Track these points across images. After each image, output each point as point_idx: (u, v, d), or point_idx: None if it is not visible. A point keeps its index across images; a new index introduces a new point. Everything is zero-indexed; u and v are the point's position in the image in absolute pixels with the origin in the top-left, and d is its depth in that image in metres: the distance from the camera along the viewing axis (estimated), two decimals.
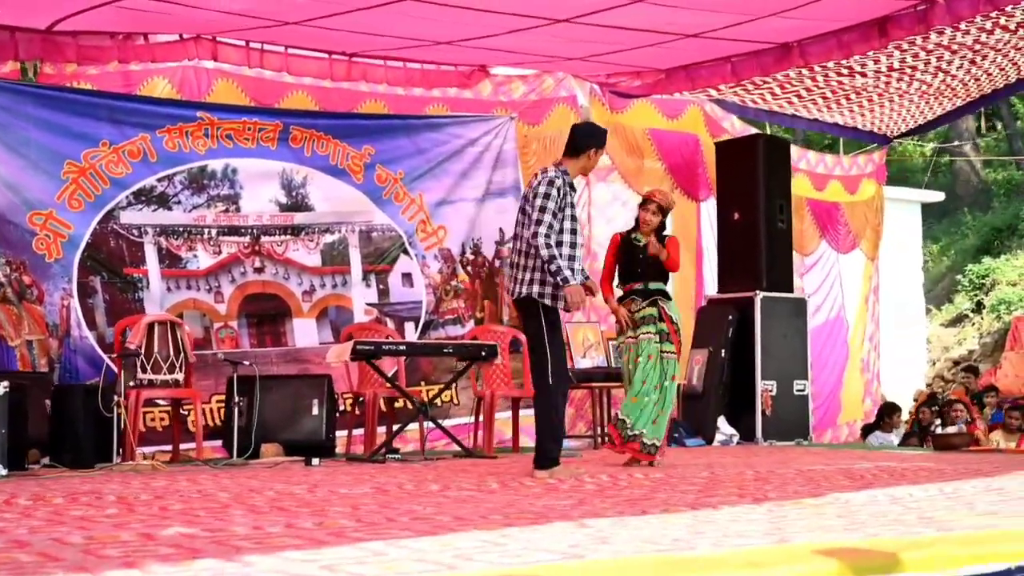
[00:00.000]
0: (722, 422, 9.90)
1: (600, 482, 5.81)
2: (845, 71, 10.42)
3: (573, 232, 6.30)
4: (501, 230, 10.25)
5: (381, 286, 9.72)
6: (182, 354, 7.68)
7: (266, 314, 9.16)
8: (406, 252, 9.82)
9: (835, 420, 12.36)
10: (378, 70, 10.01)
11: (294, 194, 9.39)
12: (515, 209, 10.08)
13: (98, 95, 8.64)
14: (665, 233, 7.52)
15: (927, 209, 22.28)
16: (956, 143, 24.33)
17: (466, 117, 10.25)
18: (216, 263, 8.97)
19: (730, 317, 10.10)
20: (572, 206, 6.36)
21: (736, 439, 9.87)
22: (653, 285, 7.37)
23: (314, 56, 9.74)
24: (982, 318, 17.32)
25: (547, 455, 6.35)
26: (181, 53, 9.16)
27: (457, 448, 8.27)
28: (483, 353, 8.25)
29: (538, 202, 6.24)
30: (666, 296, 7.39)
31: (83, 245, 8.41)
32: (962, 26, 8.99)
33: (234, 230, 9.10)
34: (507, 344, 9.20)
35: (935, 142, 25.39)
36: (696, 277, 11.25)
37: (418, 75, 10.22)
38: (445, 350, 8.41)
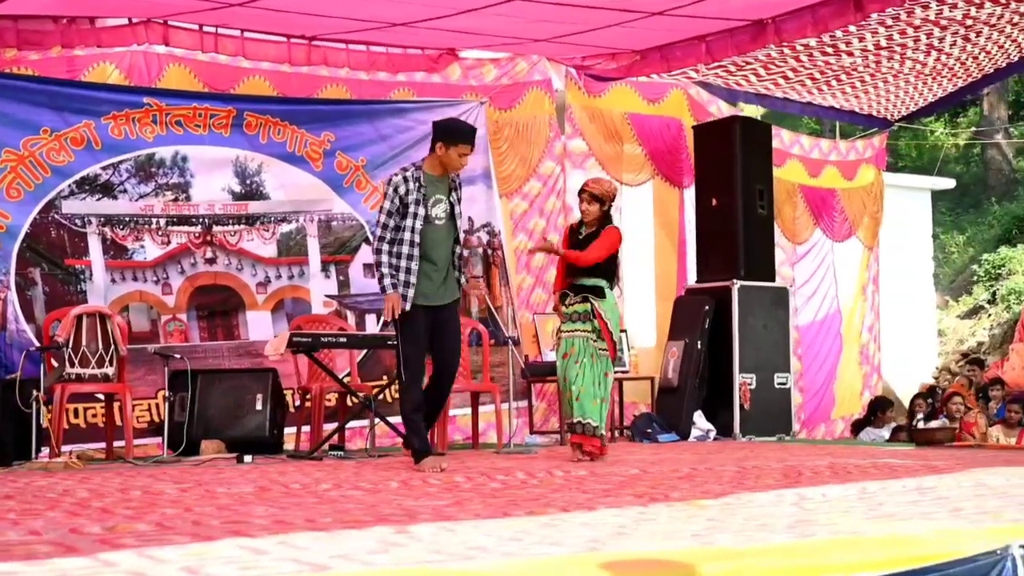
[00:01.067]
0: (698, 417, 9.51)
1: (505, 480, 5.45)
2: (829, 50, 10.00)
3: (413, 231, 6.19)
4: (471, 219, 9.90)
5: (341, 277, 9.41)
6: (112, 347, 7.38)
7: (217, 306, 8.86)
8: (368, 241, 9.48)
9: (828, 414, 11.90)
10: (340, 54, 9.69)
11: (248, 182, 9.09)
12: (485, 197, 9.89)
13: (38, 80, 8.38)
14: (611, 224, 7.16)
15: (954, 198, 21.76)
16: (986, 130, 23.73)
17: (432, 102, 9.89)
18: (164, 254, 8.69)
19: (706, 308, 9.69)
20: (418, 203, 6.20)
21: (713, 434, 9.47)
22: (588, 281, 7.02)
23: (272, 40, 9.42)
24: (997, 309, 16.76)
25: (411, 449, 6.32)
26: (130, 38, 8.88)
27: None
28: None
29: (384, 204, 6.30)
30: (600, 293, 7.03)
31: (22, 236, 8.15)
32: None
33: (184, 220, 8.81)
34: (465, 336, 8.85)
35: (967, 129, 24.79)
36: (679, 267, 10.85)
37: (383, 59, 9.88)
38: (389, 342, 8.04)
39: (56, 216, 8.34)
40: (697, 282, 10.17)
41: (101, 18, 8.75)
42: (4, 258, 8.08)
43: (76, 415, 8.00)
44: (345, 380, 8.67)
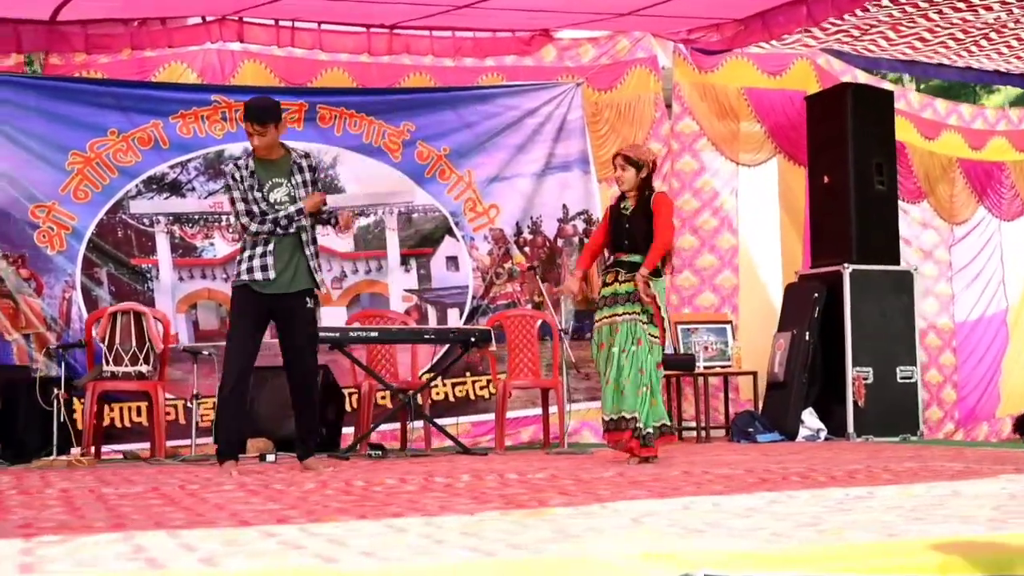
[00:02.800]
0: (807, 415, 8.65)
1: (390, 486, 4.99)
2: (962, 5, 8.92)
3: (253, 216, 5.89)
4: (565, 207, 9.42)
5: (422, 271, 9.10)
6: (147, 345, 7.33)
7: None
8: (451, 233, 9.15)
9: (993, 412, 10.67)
10: (423, 41, 9.39)
11: (322, 176, 8.91)
12: (582, 183, 9.38)
13: (105, 83, 8.48)
14: (652, 191, 6.48)
15: None
16: None
17: (521, 86, 9.46)
18: (234, 251, 8.59)
19: (815, 295, 8.82)
20: (252, 188, 5.88)
21: (824, 434, 8.60)
22: (638, 257, 6.34)
23: (350, 31, 9.24)
24: None
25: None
26: (204, 36, 8.89)
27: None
28: (472, 339, 7.48)
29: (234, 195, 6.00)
30: (655, 272, 6.30)
31: (88, 236, 8.26)
32: None
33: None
34: (535, 330, 8.39)
35: None
36: (804, 252, 9.95)
37: (469, 44, 9.52)
38: (426, 336, 7.68)
39: (123, 216, 8.41)
40: (811, 267, 9.29)
41: (173, 18, 8.78)
42: (70, 258, 8.21)
43: (125, 414, 8.02)
44: (425, 377, 8.42)
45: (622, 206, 6.54)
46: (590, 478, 5.15)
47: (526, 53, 9.66)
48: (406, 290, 9.02)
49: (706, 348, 9.09)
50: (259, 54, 9.03)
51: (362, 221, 9.00)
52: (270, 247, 5.89)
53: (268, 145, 5.92)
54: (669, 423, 6.48)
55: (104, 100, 8.41)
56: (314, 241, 6.11)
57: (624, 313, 6.29)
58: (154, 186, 8.46)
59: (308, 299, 5.99)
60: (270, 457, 6.85)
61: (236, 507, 3.92)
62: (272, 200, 5.89)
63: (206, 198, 8.61)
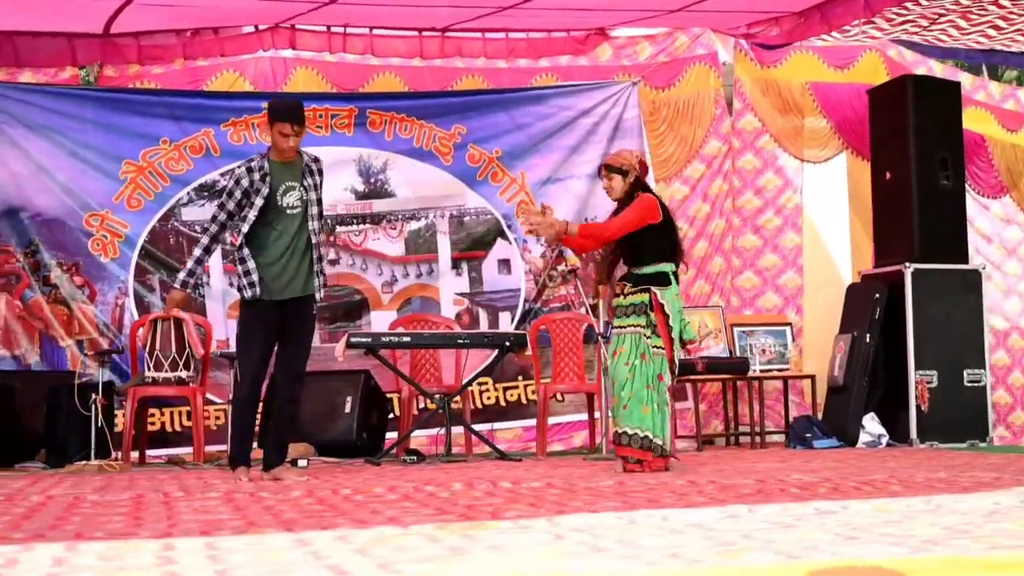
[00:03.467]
0: (868, 420, 8.35)
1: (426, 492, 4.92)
2: None
3: (268, 224, 5.85)
4: None
5: (473, 274, 9.05)
6: (187, 351, 7.44)
7: (341, 308, 8.77)
8: (503, 236, 9.09)
9: None
10: (475, 43, 9.36)
11: (372, 180, 8.95)
12: None
13: (157, 93, 8.64)
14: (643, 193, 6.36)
15: None
16: None
17: (575, 86, 9.35)
18: None
19: (876, 296, 8.51)
20: (258, 192, 5.80)
21: (885, 440, 8.29)
22: (649, 268, 6.17)
23: (402, 35, 9.26)
24: None
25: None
26: (256, 44, 9.00)
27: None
28: (507, 343, 7.40)
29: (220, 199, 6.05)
30: (664, 281, 6.13)
31: (140, 243, 8.43)
32: None
33: None
34: (580, 333, 8.27)
35: None
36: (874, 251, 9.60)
37: (523, 45, 9.45)
38: (460, 340, 7.61)
39: (175, 223, 8.55)
40: (875, 266, 8.97)
41: (226, 28, 8.90)
42: (123, 265, 8.38)
43: (176, 418, 8.15)
44: (472, 379, 8.39)
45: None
46: (586, 487, 5.03)
47: (581, 53, 9.54)
48: (457, 294, 8.98)
49: (764, 351, 8.85)
50: (311, 60, 9.10)
51: (413, 225, 8.99)
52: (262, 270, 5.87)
53: (297, 147, 5.91)
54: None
55: (157, 110, 8.57)
56: (319, 259, 6.04)
57: (630, 326, 6.14)
58: (205, 193, 8.58)
59: (314, 305, 5.97)
60: (302, 463, 6.86)
61: (191, 516, 3.92)
62: (285, 204, 5.85)
63: None
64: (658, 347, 6.09)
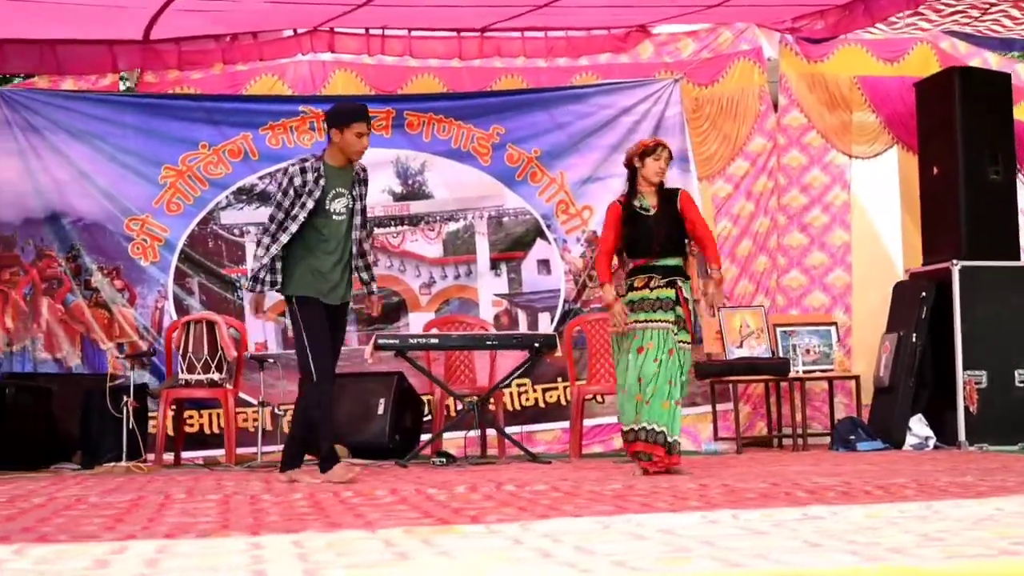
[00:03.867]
0: (915, 422, 8.11)
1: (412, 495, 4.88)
2: None
3: (315, 227, 5.84)
4: None
5: (512, 275, 9.00)
6: (219, 353, 7.49)
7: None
8: (543, 236, 9.02)
9: None
10: (514, 43, 9.30)
11: (410, 182, 8.94)
12: (680, 181, 9.07)
13: (196, 98, 8.73)
14: (671, 188, 6.32)
15: None
16: None
17: (616, 84, 9.25)
18: None
19: (923, 294, 8.29)
20: (310, 194, 5.76)
21: (932, 442, 8.06)
22: (671, 261, 6.13)
23: (440, 36, 9.23)
24: None
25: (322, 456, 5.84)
26: (295, 48, 9.04)
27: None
28: (536, 345, 7.33)
29: (276, 197, 5.95)
30: (684, 275, 6.15)
31: (179, 247, 8.51)
32: None
33: None
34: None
35: None
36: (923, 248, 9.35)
37: (562, 44, 9.37)
38: (488, 342, 7.55)
39: (214, 227, 8.63)
40: (923, 264, 8.73)
41: (265, 32, 8.96)
42: (163, 269, 8.48)
43: (214, 420, 8.22)
44: (510, 380, 8.36)
45: (639, 206, 6.23)
46: (591, 490, 4.95)
47: (622, 50, 9.44)
48: (496, 295, 8.94)
49: (808, 351, 8.66)
50: (350, 63, 9.13)
51: (451, 226, 8.97)
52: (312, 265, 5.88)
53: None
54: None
55: (196, 115, 8.65)
56: (365, 261, 6.17)
57: (658, 321, 6.04)
58: (243, 197, 8.64)
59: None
60: None
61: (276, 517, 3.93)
62: (332, 209, 5.85)
63: None
64: (685, 342, 6.03)
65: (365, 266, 6.18)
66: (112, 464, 6.84)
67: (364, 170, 6.08)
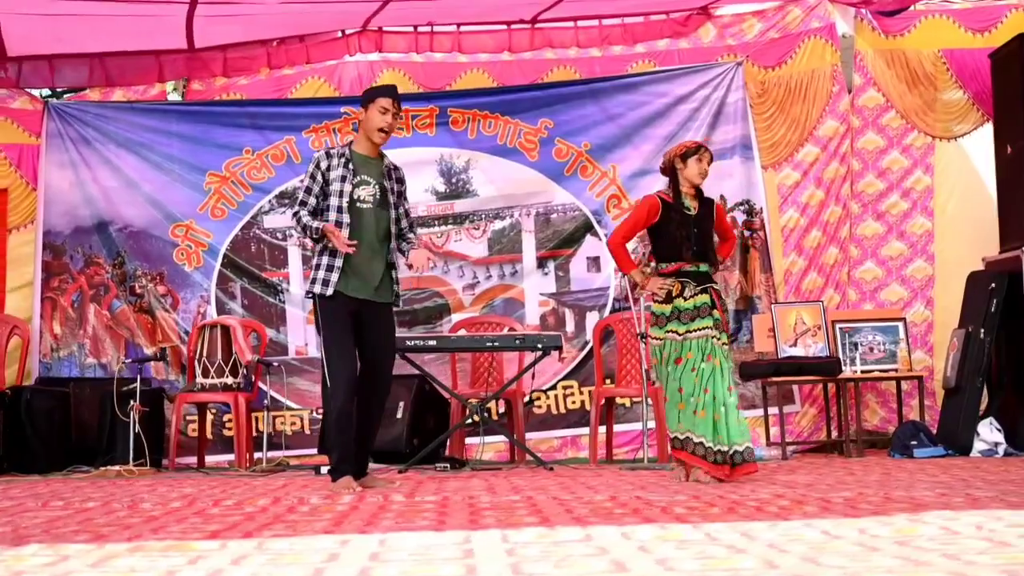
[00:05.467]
0: (984, 426, 7.34)
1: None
2: None
3: (340, 210, 5.48)
4: (723, 197, 8.62)
5: (560, 273, 8.66)
6: (233, 358, 7.48)
7: (420, 312, 8.60)
8: (593, 232, 8.66)
9: None
10: (566, 33, 8.98)
11: (454, 180, 8.74)
12: (742, 171, 8.64)
13: (240, 103, 8.79)
14: (708, 197, 5.99)
15: None
16: None
17: (672, 71, 8.80)
18: None
19: (992, 286, 7.51)
20: (343, 179, 5.50)
21: (1003, 449, 7.28)
22: (704, 267, 5.80)
23: (490, 29, 9.01)
24: None
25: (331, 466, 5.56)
26: (342, 50, 9.00)
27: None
28: (539, 346, 7.00)
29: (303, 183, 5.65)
30: (714, 280, 5.87)
31: (223, 252, 8.57)
32: None
33: None
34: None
35: None
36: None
37: (617, 32, 8.98)
38: (488, 343, 7.23)
39: (257, 231, 8.66)
40: (999, 252, 7.90)
41: (312, 35, 8.94)
42: (206, 274, 8.56)
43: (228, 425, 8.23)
44: (558, 383, 8.12)
45: (684, 206, 5.87)
46: (537, 500, 4.63)
47: (681, 35, 8.98)
48: (542, 294, 8.63)
49: (871, 349, 7.98)
50: (398, 62, 9.01)
51: (497, 224, 8.72)
52: (337, 261, 5.52)
53: (394, 129, 5.71)
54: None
55: (240, 120, 8.70)
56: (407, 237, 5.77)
57: (697, 331, 5.66)
58: (286, 201, 8.63)
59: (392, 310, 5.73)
60: (323, 469, 6.73)
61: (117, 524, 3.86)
62: (356, 196, 5.54)
63: None
64: (725, 343, 5.70)
65: (405, 240, 5.74)
66: (104, 468, 6.91)
67: (398, 169, 5.78)
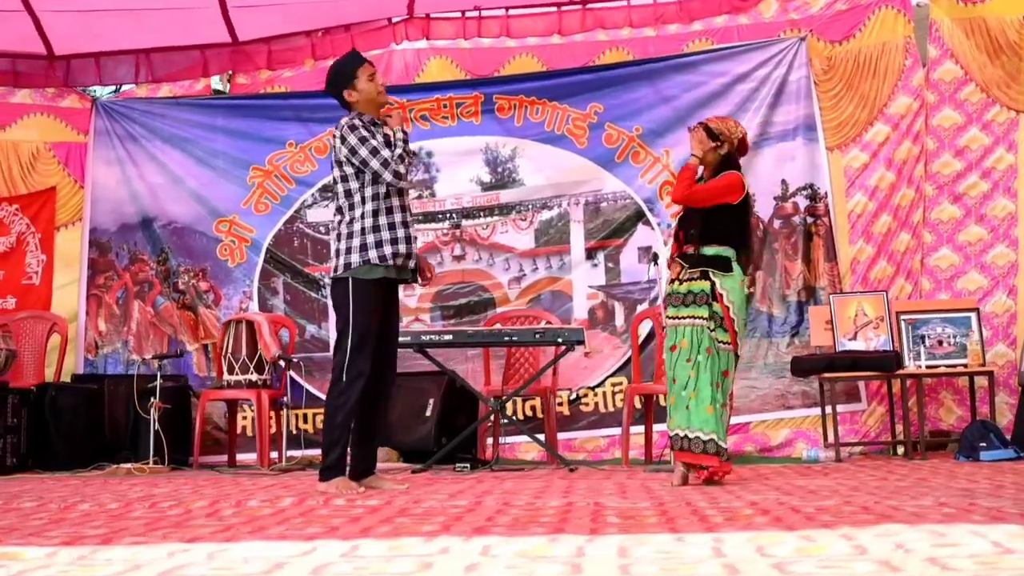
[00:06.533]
0: None
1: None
2: None
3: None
4: (784, 181, 8.12)
5: (610, 264, 8.25)
6: (257, 354, 7.32)
7: (465, 305, 8.31)
8: (645, 221, 8.22)
9: None
10: (618, 13, 8.59)
11: (500, 170, 8.42)
12: (805, 152, 8.16)
13: (283, 96, 8.65)
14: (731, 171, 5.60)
15: None
16: None
17: (730, 48, 8.29)
18: None
19: None
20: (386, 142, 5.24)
21: None
22: (711, 249, 5.37)
23: (540, 12, 8.66)
24: None
25: (325, 464, 5.04)
26: (388, 38, 8.78)
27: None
28: (559, 340, 6.62)
29: (361, 152, 5.14)
30: (726, 266, 5.34)
31: (265, 247, 8.44)
32: None
33: (430, 217, 8.42)
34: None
35: None
36: None
37: (673, 9, 8.53)
38: (506, 338, 6.85)
39: (300, 225, 8.50)
40: None
41: (358, 24, 8.74)
42: (249, 270, 8.44)
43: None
44: (606, 379, 7.78)
45: (699, 178, 5.57)
46: (538, 507, 4.31)
47: (740, 11, 8.47)
48: (591, 286, 8.23)
49: (940, 342, 7.34)
50: (445, 49, 8.75)
51: (544, 214, 8.36)
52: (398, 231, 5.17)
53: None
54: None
55: (284, 113, 8.56)
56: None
57: (688, 317, 5.30)
58: (329, 194, 8.44)
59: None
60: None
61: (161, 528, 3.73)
62: None
63: None
64: (724, 342, 5.30)
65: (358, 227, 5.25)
66: (115, 466, 6.82)
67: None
